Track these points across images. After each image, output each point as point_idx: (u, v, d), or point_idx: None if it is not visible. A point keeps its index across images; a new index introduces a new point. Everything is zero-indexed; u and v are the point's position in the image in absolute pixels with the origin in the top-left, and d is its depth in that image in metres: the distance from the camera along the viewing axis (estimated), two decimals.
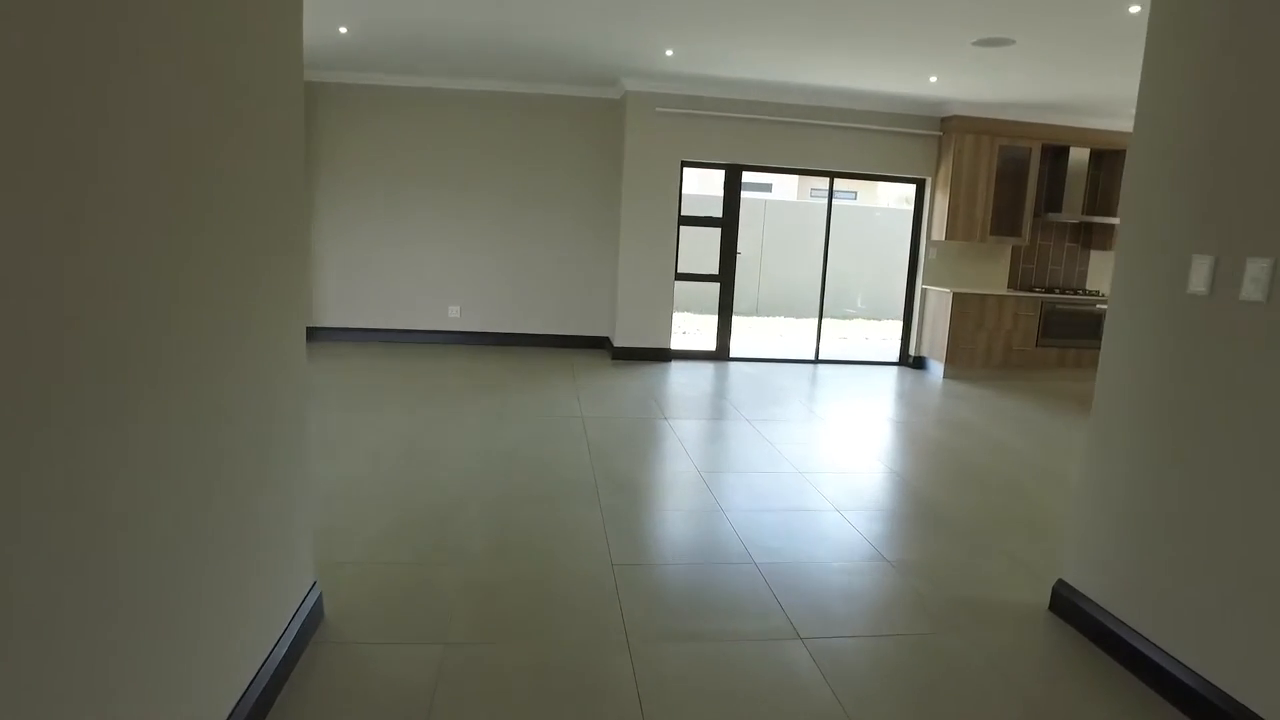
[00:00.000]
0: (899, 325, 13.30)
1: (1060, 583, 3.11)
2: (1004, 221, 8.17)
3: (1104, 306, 7.68)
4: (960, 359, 8.02)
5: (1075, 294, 8.28)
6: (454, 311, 8.31)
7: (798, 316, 12.97)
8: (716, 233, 8.10)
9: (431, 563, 3.20)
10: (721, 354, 8.29)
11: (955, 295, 7.87)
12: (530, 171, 8.13)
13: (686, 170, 7.92)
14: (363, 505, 3.76)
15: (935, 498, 4.34)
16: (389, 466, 4.36)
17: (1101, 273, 8.81)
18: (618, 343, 8.00)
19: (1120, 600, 2.80)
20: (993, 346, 8.09)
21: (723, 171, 8.00)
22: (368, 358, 7.43)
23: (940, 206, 8.06)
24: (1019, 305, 8.07)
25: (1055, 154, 8.24)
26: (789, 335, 11.16)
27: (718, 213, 8.07)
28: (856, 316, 13.52)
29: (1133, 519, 2.76)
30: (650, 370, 7.55)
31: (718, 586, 3.14)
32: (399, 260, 8.15)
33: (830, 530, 3.81)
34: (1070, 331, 8.24)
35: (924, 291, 8.41)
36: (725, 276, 8.14)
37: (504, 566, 3.20)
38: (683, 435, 5.35)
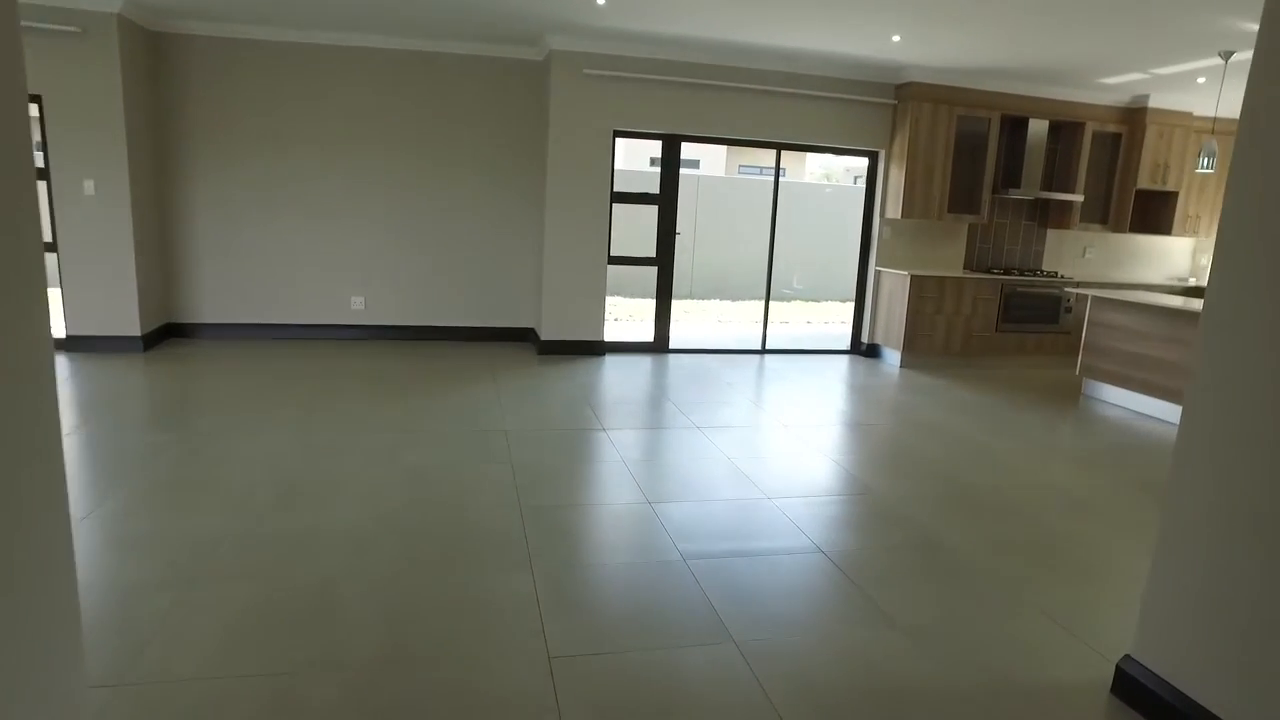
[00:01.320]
0: (841, 307, 12.83)
1: (1127, 659, 2.44)
2: (962, 198, 7.59)
3: (1073, 290, 7.15)
4: (918, 346, 7.42)
5: (1034, 275, 7.77)
6: (357, 303, 7.29)
7: (734, 299, 12.31)
8: (651, 211, 7.27)
9: (295, 674, 2.32)
10: (660, 345, 7.50)
11: (913, 278, 7.25)
12: (443, 144, 7.15)
13: (619, 141, 7.05)
14: (206, 585, 2.83)
15: (930, 526, 3.65)
16: (254, 519, 3.42)
17: (1057, 253, 8.34)
18: (545, 335, 7.12)
19: (1214, 687, 2.12)
20: (952, 333, 7.52)
21: (659, 142, 7.17)
22: (251, 361, 6.37)
23: (895, 182, 7.42)
24: (978, 288, 7.51)
25: (1013, 126, 7.69)
26: (727, 320, 10.45)
27: (653, 188, 7.24)
28: (794, 298, 12.93)
29: (1239, 586, 2.08)
30: (582, 366, 6.71)
31: (694, 683, 2.35)
32: (291, 245, 7.07)
33: (816, 580, 3.06)
34: (1030, 315, 7.74)
35: (878, 274, 7.78)
36: (664, 259, 7.34)
37: (403, 677, 2.34)
38: (626, 451, 4.54)
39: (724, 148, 20.13)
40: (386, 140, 7.03)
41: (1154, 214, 8.23)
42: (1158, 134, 7.88)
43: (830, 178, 23.28)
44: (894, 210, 7.44)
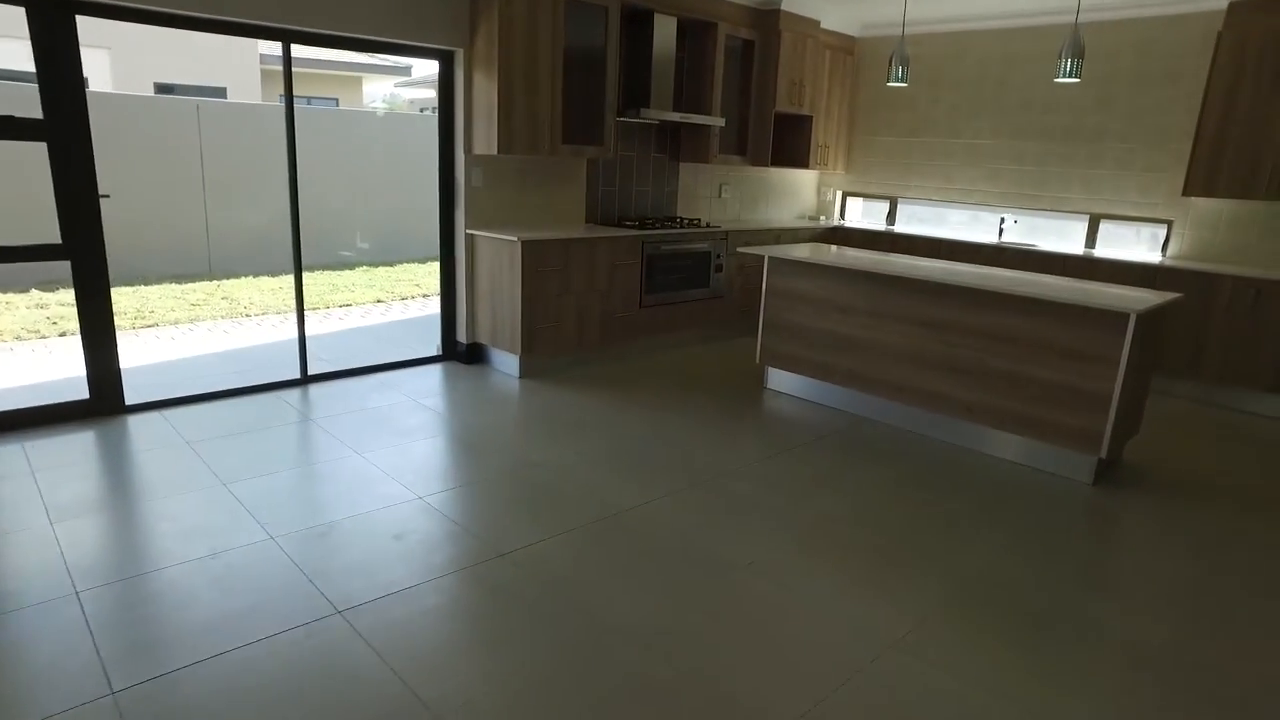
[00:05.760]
0: (420, 271, 9.93)
1: None
2: (579, 124, 5.29)
3: (743, 250, 5.24)
4: (542, 344, 5.07)
5: (674, 225, 5.83)
6: None
7: (274, 273, 8.89)
8: (40, 153, 3.80)
9: None
10: (107, 402, 4.11)
11: (526, 245, 4.82)
12: None
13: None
14: None
15: None
16: None
17: (692, 193, 6.53)
18: None
19: None
20: (586, 318, 5.29)
21: (24, 10, 3.67)
22: None
23: (485, 100, 4.84)
24: (615, 251, 5.34)
25: (636, 25, 5.54)
26: (259, 310, 7.10)
27: (31, 110, 3.76)
28: (359, 263, 9.88)
29: None
30: None
31: None
32: None
33: None
34: (677, 281, 5.82)
35: (471, 240, 5.21)
36: (82, 243, 3.91)
37: None
38: None
39: (257, 67, 15.74)
40: None
41: (789, 143, 6.78)
42: (792, 44, 6.33)
43: (388, 102, 19.99)
44: (485, 143, 4.88)
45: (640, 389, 4.92)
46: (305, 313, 4.73)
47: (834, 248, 5.30)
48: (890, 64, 4.55)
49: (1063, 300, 3.65)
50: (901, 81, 4.55)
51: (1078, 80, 3.98)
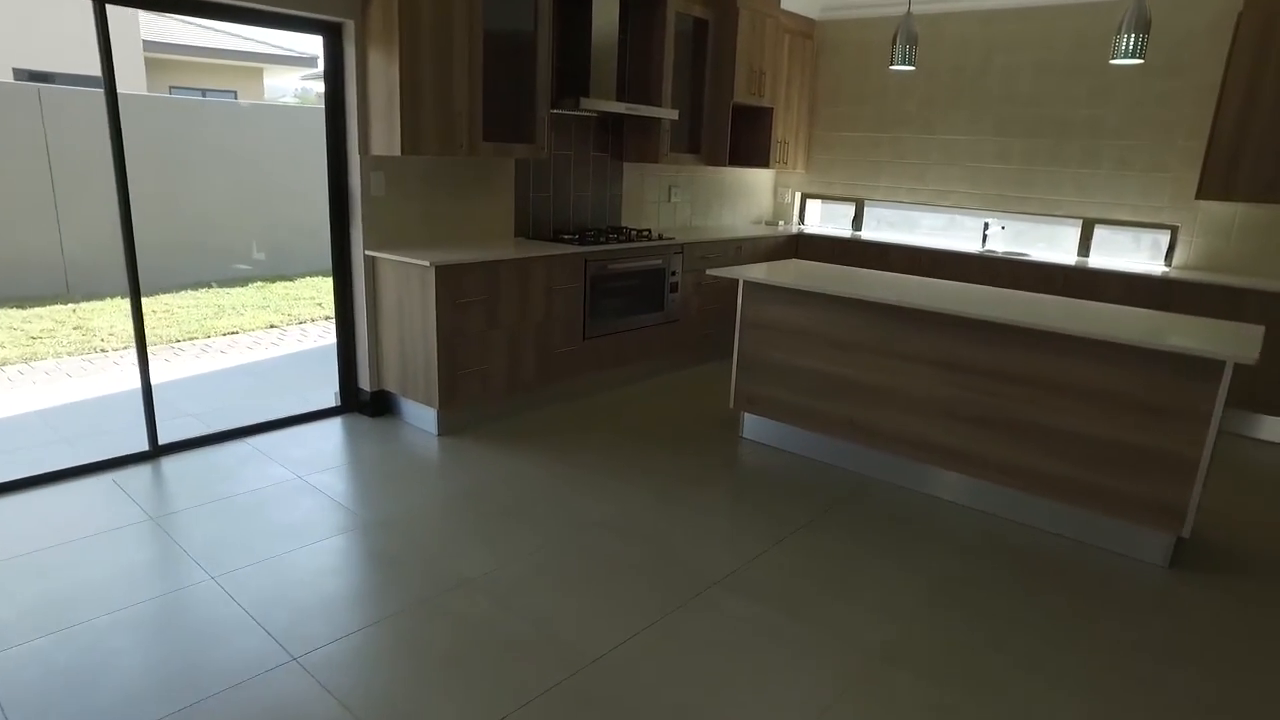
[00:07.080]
0: (324, 285, 8.68)
1: None
2: (506, 116, 4.29)
3: (715, 272, 4.29)
4: (464, 391, 4.07)
5: (623, 238, 4.89)
6: None
7: (147, 293, 7.55)
8: None
9: None
10: None
11: (441, 271, 3.81)
12: None
13: None
14: None
15: None
16: None
17: (639, 199, 5.61)
18: None
19: None
20: (519, 357, 4.31)
21: None
22: None
23: (383, 86, 3.80)
24: (552, 273, 4.37)
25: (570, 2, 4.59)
26: (124, 339, 5.85)
27: None
28: (254, 279, 8.63)
29: None
30: None
31: None
32: None
33: None
34: (627, 306, 4.89)
35: (371, 263, 4.16)
36: None
37: None
38: None
39: (141, 54, 14.07)
40: None
41: (746, 139, 5.92)
42: (750, 25, 5.46)
43: (299, 97, 18.44)
44: (386, 142, 3.84)
45: (590, 446, 3.98)
46: (162, 357, 3.62)
47: (837, 267, 4.45)
48: (894, 42, 3.71)
49: (1144, 345, 2.86)
50: (909, 64, 3.72)
51: (1141, 61, 3.22)
